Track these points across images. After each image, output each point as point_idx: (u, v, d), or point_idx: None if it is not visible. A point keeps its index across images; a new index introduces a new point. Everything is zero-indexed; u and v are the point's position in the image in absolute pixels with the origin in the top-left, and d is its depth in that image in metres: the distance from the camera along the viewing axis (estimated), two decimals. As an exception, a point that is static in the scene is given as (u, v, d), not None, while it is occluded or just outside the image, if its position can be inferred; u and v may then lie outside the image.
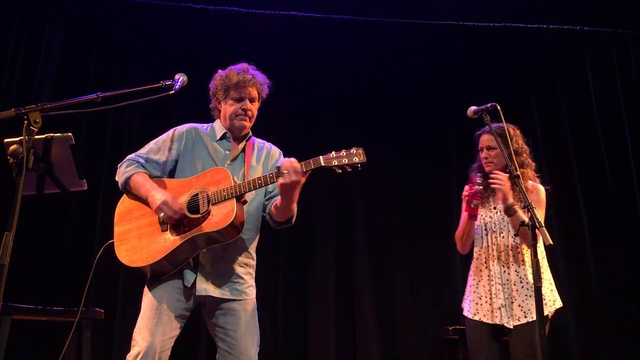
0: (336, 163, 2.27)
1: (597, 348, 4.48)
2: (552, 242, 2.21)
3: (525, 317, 2.81)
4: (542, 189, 3.00)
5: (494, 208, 3.02)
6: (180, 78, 2.32)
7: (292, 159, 2.28)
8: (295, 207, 2.47)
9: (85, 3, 4.70)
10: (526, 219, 2.70)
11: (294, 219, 2.52)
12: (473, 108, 2.73)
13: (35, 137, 1.84)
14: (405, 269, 4.56)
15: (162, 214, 2.33)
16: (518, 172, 2.55)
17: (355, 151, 2.28)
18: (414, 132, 4.83)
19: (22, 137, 1.81)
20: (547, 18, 5.15)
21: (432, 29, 5.07)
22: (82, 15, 4.68)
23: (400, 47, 5.02)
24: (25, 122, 1.80)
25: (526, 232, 2.70)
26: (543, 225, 2.29)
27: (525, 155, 3.03)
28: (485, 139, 3.05)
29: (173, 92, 2.27)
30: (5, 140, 1.96)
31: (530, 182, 3.00)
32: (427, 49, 5.04)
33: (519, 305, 2.83)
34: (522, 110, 4.94)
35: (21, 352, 3.88)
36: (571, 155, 4.91)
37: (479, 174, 2.92)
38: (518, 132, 3.07)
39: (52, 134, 2.01)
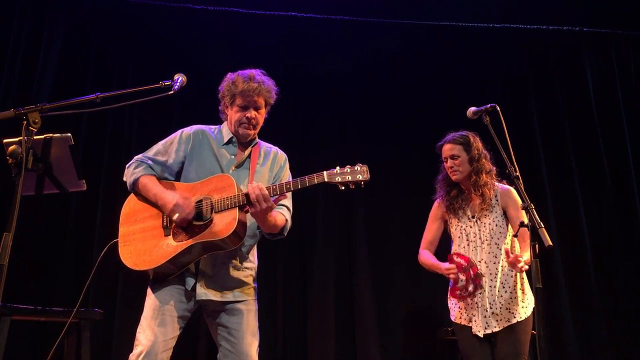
0: (339, 180, 2.27)
1: (597, 348, 4.47)
2: (551, 243, 2.21)
3: (515, 318, 2.85)
4: (514, 191, 3.00)
5: (472, 217, 3.02)
6: (180, 78, 2.31)
7: (260, 186, 2.25)
8: (281, 221, 2.44)
9: (84, 3, 4.70)
10: (527, 257, 2.71)
11: (285, 231, 2.50)
12: (472, 109, 2.73)
13: (35, 137, 1.84)
14: (406, 269, 4.55)
15: (175, 216, 2.32)
16: (517, 173, 2.54)
17: (359, 168, 2.29)
18: (413, 132, 4.82)
19: (21, 138, 1.81)
20: (547, 19, 5.15)
21: (432, 29, 5.08)
22: (81, 15, 4.68)
23: (400, 47, 5.03)
24: (25, 122, 1.80)
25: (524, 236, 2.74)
26: (543, 226, 2.28)
27: (484, 160, 3.04)
28: (447, 149, 3.09)
29: (172, 92, 2.26)
30: (5, 140, 1.95)
31: (497, 184, 3.03)
32: (427, 49, 5.05)
33: (507, 309, 2.87)
34: (521, 111, 4.95)
35: (20, 353, 3.88)
36: (570, 156, 4.91)
37: (462, 261, 2.91)
38: (477, 137, 3.09)
39: (51, 135, 2.01)
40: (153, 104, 2.50)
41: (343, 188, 2.28)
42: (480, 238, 2.97)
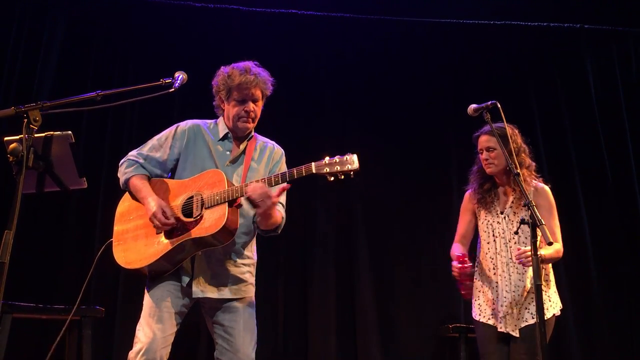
0: (328, 170, 2.22)
1: (598, 348, 4.48)
2: (552, 240, 2.21)
3: (533, 318, 2.82)
4: (549, 191, 2.96)
5: (501, 213, 2.96)
6: (180, 76, 2.30)
7: (260, 185, 2.23)
8: (279, 218, 2.44)
9: (84, 1, 4.70)
10: (546, 254, 2.70)
11: (280, 229, 2.49)
12: (473, 106, 2.72)
13: (35, 135, 1.84)
14: (406, 267, 4.56)
15: (153, 224, 2.34)
16: (518, 170, 2.54)
17: (348, 158, 2.24)
18: (414, 130, 4.82)
19: (22, 136, 1.81)
20: (548, 16, 5.15)
21: (433, 26, 5.07)
22: (81, 13, 4.68)
23: (401, 45, 5.02)
24: (25, 120, 1.80)
25: (552, 258, 2.80)
26: (543, 223, 2.27)
27: (524, 155, 2.96)
28: (484, 140, 2.98)
29: (173, 90, 2.26)
30: (5, 138, 1.96)
31: (536, 183, 2.96)
32: (427, 46, 5.04)
33: (526, 309, 2.84)
34: (522, 108, 4.94)
35: (22, 351, 3.89)
36: (571, 153, 4.91)
37: (464, 255, 2.90)
38: (517, 131, 3.00)
39: (52, 132, 2.00)
40: (153, 102, 2.50)
41: (332, 179, 2.23)
42: (509, 235, 2.90)
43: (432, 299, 4.48)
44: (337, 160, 2.24)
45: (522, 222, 2.42)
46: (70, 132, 2.03)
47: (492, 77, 5.01)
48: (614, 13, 5.21)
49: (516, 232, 2.87)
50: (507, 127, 2.83)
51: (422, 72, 4.98)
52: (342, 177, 2.24)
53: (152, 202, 2.35)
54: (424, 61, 5.01)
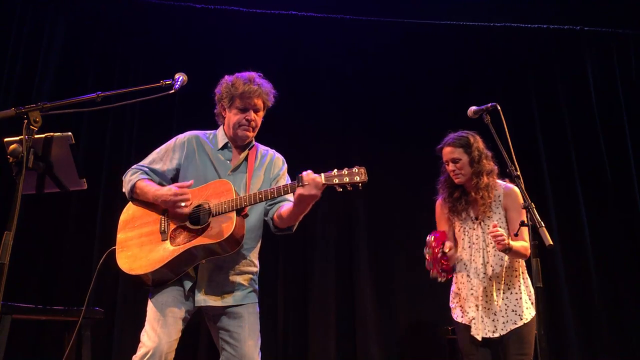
0: (337, 181, 2.25)
1: (597, 348, 4.48)
2: (552, 242, 2.21)
3: (521, 320, 2.82)
4: (518, 191, 2.93)
5: (476, 219, 2.99)
6: (180, 77, 2.31)
7: (314, 175, 2.26)
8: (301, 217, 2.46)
9: (85, 1, 4.70)
10: (514, 245, 2.74)
11: (295, 227, 2.51)
12: (473, 108, 2.72)
13: (35, 136, 1.84)
14: (406, 267, 4.55)
15: (183, 203, 2.32)
16: (518, 173, 2.54)
17: (357, 170, 2.26)
18: (414, 130, 4.82)
19: (22, 137, 1.81)
20: (548, 18, 5.16)
21: (434, 28, 5.08)
22: (81, 14, 4.68)
23: (401, 46, 5.03)
24: (25, 121, 1.80)
25: (518, 252, 2.77)
26: (543, 225, 2.27)
27: (485, 161, 2.97)
28: (448, 152, 3.03)
29: (173, 91, 2.26)
30: (5, 139, 1.96)
31: (502, 184, 2.98)
32: (428, 48, 5.04)
33: (513, 311, 2.84)
34: (522, 110, 4.95)
35: (21, 352, 3.88)
36: (571, 154, 4.92)
37: (444, 242, 2.90)
38: (478, 137, 3.01)
39: (52, 134, 2.00)
40: (154, 103, 2.50)
41: (340, 190, 2.25)
42: (484, 241, 2.93)
43: (432, 300, 4.47)
44: (346, 172, 2.26)
45: (522, 224, 2.42)
46: (70, 133, 2.03)
47: (493, 79, 5.01)
48: (614, 15, 5.23)
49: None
50: (468, 136, 2.94)
51: (422, 74, 4.98)
52: (351, 188, 2.26)
53: (165, 189, 2.38)
54: (424, 62, 5.01)
